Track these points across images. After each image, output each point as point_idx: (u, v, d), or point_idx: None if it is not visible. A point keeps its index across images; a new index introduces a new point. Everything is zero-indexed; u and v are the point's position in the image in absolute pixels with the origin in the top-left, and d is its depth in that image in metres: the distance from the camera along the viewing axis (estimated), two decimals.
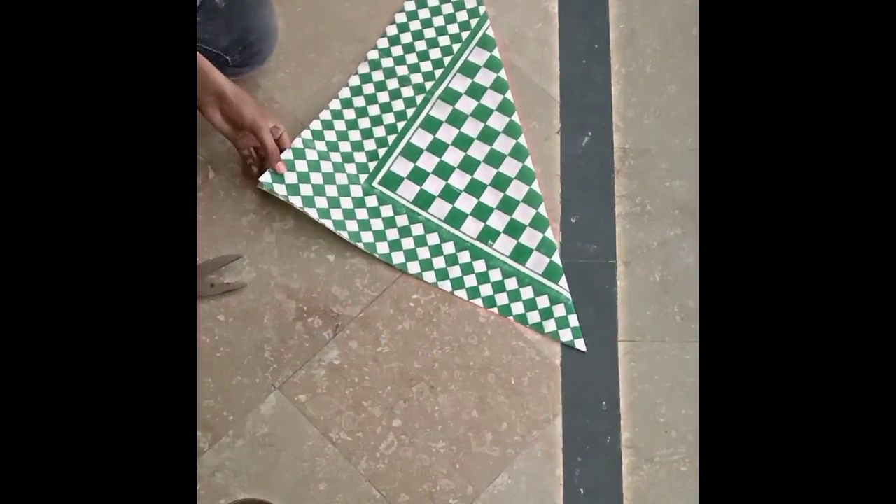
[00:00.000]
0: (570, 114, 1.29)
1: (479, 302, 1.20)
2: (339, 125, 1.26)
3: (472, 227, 1.23)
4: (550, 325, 1.19)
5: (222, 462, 1.11)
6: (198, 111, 1.12)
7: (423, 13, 1.34)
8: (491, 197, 1.24)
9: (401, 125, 1.27)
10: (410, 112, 1.28)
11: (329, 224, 1.19)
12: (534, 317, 1.19)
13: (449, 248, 1.22)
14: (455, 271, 1.21)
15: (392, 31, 1.33)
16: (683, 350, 1.17)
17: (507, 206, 1.23)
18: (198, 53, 1.08)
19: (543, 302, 1.19)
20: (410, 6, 1.35)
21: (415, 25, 1.34)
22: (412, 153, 1.26)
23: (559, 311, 1.19)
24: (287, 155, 1.20)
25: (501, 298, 1.20)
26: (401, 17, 1.34)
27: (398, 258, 1.21)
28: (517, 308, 1.19)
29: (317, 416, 1.13)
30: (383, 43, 1.32)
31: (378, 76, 1.30)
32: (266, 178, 1.19)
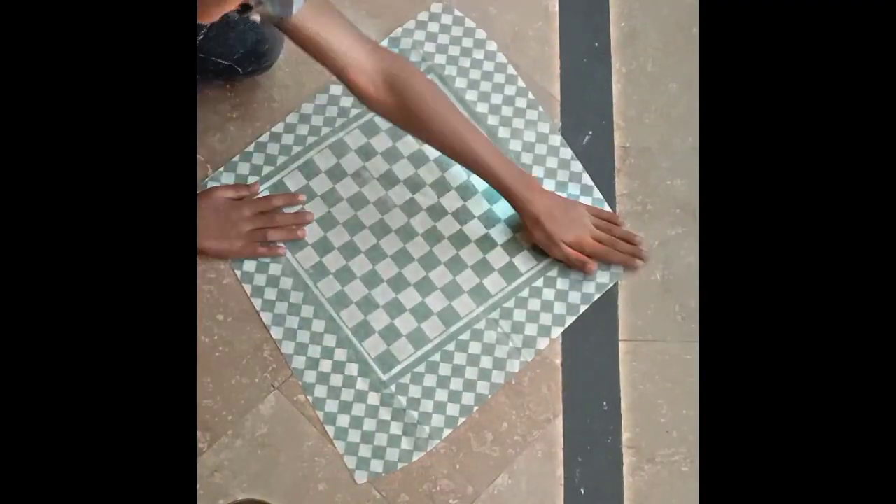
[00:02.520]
0: (570, 112, 1.28)
1: (515, 366, 1.14)
2: None
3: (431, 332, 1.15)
4: (574, 298, 1.17)
5: (221, 462, 1.10)
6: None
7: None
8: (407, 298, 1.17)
9: None
10: None
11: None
12: (554, 317, 1.17)
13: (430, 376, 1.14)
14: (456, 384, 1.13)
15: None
16: (685, 350, 1.17)
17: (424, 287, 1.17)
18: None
19: (535, 304, 1.17)
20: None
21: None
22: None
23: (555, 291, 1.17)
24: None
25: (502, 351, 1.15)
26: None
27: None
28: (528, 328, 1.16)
29: (316, 416, 1.13)
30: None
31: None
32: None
